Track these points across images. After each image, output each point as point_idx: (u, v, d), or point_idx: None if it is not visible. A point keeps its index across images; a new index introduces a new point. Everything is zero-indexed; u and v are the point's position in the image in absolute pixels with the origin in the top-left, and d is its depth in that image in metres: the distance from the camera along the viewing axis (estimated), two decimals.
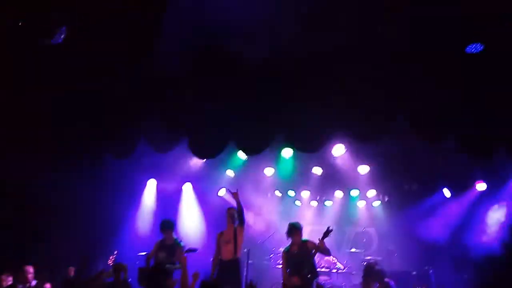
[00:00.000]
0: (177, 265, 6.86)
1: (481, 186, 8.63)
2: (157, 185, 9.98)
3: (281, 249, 6.84)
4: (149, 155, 7.96)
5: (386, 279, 6.62)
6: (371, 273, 6.89)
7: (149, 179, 9.89)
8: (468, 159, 6.90)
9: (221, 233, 6.97)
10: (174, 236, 7.31)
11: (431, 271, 8.01)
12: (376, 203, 10.21)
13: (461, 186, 8.89)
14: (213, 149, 7.12)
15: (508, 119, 5.79)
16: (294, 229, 6.54)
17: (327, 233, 6.55)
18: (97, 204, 8.57)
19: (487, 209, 8.46)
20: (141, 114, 6.91)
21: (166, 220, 7.47)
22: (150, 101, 6.79)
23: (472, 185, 8.74)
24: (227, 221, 6.96)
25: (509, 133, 5.95)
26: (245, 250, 9.17)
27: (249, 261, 9.39)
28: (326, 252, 6.50)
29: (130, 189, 9.55)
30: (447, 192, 9.08)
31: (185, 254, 5.70)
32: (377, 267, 6.95)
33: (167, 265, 6.79)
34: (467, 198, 8.87)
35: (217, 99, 6.52)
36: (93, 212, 8.54)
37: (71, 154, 7.20)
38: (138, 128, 7.14)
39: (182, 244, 7.21)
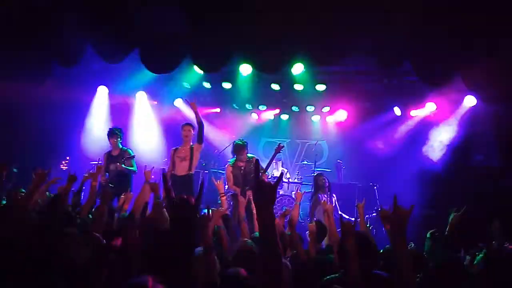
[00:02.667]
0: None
1: (430, 106, 8.92)
2: (109, 93, 9.57)
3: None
4: (99, 62, 7.48)
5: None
6: (317, 184, 7.37)
7: (99, 86, 9.44)
8: (421, 82, 7.08)
9: (176, 149, 6.96)
10: (120, 146, 7.25)
11: (375, 186, 8.57)
12: (330, 119, 10.44)
13: (412, 106, 9.17)
14: (167, 64, 6.75)
15: (463, 46, 5.86)
16: (239, 147, 6.70)
17: (278, 149, 6.81)
18: (46, 113, 8.23)
19: (434, 129, 8.86)
20: (90, 23, 6.31)
21: (113, 128, 7.38)
22: (99, 10, 6.18)
23: (423, 105, 9.02)
24: (183, 138, 6.91)
25: (464, 60, 6.06)
26: (202, 162, 9.42)
27: (205, 171, 9.74)
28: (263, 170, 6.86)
29: (80, 97, 9.13)
30: (397, 111, 9.37)
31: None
32: (323, 179, 7.39)
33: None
34: (417, 117, 9.22)
35: (172, 11, 5.99)
36: (42, 120, 8.23)
37: (18, 61, 6.71)
38: (85, 38, 6.61)
39: (130, 151, 7.19)
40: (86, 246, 2.50)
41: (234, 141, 6.89)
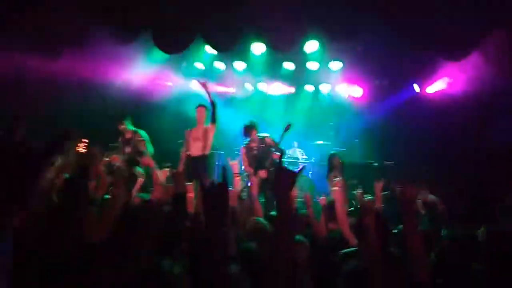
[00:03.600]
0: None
1: (450, 83, 8.67)
2: (124, 75, 9.59)
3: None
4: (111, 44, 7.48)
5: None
6: (331, 164, 7.30)
7: (115, 68, 9.47)
8: (440, 57, 6.91)
9: (190, 130, 6.98)
10: (131, 127, 7.14)
11: (392, 165, 8.46)
12: (346, 97, 10.28)
13: (428, 82, 8.94)
14: (178, 44, 6.71)
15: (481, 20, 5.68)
16: (249, 128, 6.66)
17: (287, 128, 6.69)
18: (61, 94, 8.33)
19: (454, 107, 8.61)
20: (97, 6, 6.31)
21: (122, 115, 7.25)
22: None
23: (440, 81, 8.78)
24: (197, 119, 6.92)
25: (481, 37, 5.88)
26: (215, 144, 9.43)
27: (220, 152, 9.76)
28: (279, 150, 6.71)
29: (95, 81, 9.18)
30: (416, 88, 9.15)
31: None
32: (337, 159, 7.33)
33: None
34: (436, 94, 8.99)
35: None
36: (57, 100, 8.33)
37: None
38: (97, 17, 6.60)
39: (141, 132, 7.06)
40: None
41: (244, 123, 6.84)
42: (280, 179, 1.82)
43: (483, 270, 2.45)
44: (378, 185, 4.51)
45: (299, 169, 1.93)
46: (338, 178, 7.02)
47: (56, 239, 2.29)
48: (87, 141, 9.66)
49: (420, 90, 9.14)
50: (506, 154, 6.90)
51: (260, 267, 2.03)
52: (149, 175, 6.60)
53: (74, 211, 2.54)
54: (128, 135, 7.16)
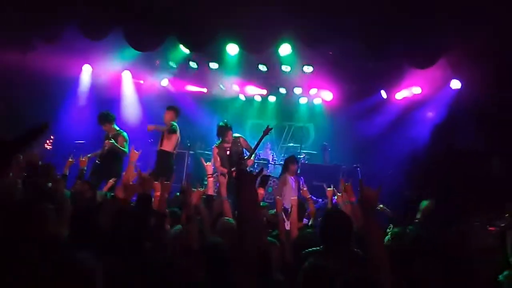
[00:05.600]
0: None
1: (416, 90, 8.99)
2: (93, 71, 9.42)
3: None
4: (83, 40, 7.34)
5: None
6: (287, 165, 7.31)
7: (84, 64, 9.29)
8: (408, 65, 7.14)
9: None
10: (116, 127, 7.22)
11: (358, 168, 8.66)
12: (317, 101, 10.46)
13: (397, 89, 9.22)
14: (151, 42, 6.65)
15: (450, 29, 5.91)
16: (222, 129, 6.71)
17: (266, 131, 6.79)
18: (30, 90, 8.11)
19: (418, 113, 8.93)
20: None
21: (103, 113, 7.26)
22: None
23: (408, 88, 9.07)
24: (164, 120, 7.14)
25: (450, 46, 6.12)
26: (188, 143, 9.40)
27: (190, 152, 9.73)
28: (250, 149, 6.83)
29: (65, 76, 8.97)
30: (384, 94, 9.41)
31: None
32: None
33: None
34: (403, 100, 9.28)
35: None
36: (25, 95, 8.11)
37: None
38: (67, 12, 6.48)
39: (124, 133, 7.19)
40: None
41: (218, 123, 6.87)
42: (241, 180, 1.84)
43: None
44: (349, 187, 4.53)
45: (258, 171, 1.96)
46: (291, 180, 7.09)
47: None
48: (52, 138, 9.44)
49: (388, 96, 9.41)
50: (468, 159, 7.20)
51: (224, 260, 2.07)
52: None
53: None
54: (111, 133, 7.15)
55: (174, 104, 7.69)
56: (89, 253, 1.57)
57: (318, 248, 2.91)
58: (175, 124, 7.11)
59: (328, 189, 4.84)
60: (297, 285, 2.33)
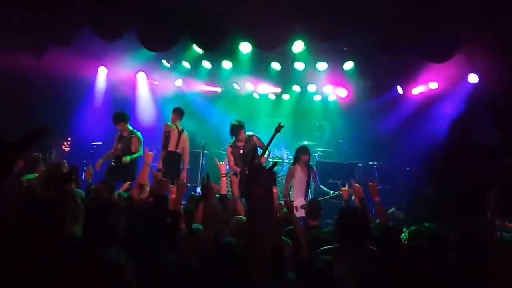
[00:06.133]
0: (136, 154, 7.07)
1: (433, 85, 8.82)
2: (108, 73, 9.54)
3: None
4: (98, 42, 7.44)
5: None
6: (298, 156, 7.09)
7: (99, 66, 9.42)
8: (424, 59, 7.04)
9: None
10: (130, 127, 7.32)
11: (375, 166, 8.55)
12: (331, 98, 10.37)
13: (413, 84, 9.06)
14: (165, 42, 6.69)
15: (467, 23, 5.80)
16: (235, 128, 6.68)
17: (278, 129, 6.72)
18: (48, 95, 8.26)
19: (436, 108, 8.76)
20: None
21: (118, 112, 7.36)
22: None
23: (425, 83, 8.91)
24: (172, 120, 7.48)
25: (466, 40, 6.01)
26: (203, 142, 9.45)
27: (205, 152, 9.76)
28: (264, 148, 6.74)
29: (81, 78, 9.11)
30: (400, 90, 9.27)
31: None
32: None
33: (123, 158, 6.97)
34: (419, 96, 9.12)
35: None
36: (41, 98, 8.26)
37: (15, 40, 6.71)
38: (81, 13, 6.57)
39: (138, 133, 7.29)
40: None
41: (231, 122, 6.86)
42: (254, 176, 1.83)
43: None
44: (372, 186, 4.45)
45: (271, 166, 1.95)
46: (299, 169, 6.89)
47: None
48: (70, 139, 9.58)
49: (404, 92, 9.26)
50: (486, 156, 7.04)
51: (239, 260, 2.06)
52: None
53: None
54: (125, 133, 7.24)
55: (182, 105, 7.95)
56: (118, 251, 1.56)
57: (333, 246, 2.89)
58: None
59: (343, 188, 4.81)
60: (311, 283, 2.31)
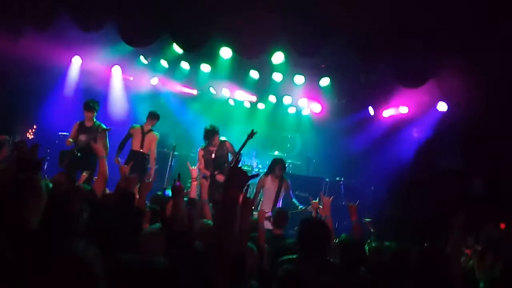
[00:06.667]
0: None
1: (403, 109, 9.10)
2: (82, 64, 9.32)
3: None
4: (75, 31, 7.25)
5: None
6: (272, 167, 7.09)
7: (74, 56, 9.19)
8: (397, 82, 7.25)
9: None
10: (94, 119, 7.10)
11: (341, 182, 8.71)
12: (305, 112, 10.51)
13: (385, 106, 9.31)
14: (145, 37, 6.61)
15: (441, 52, 6.03)
16: (209, 133, 6.67)
17: (251, 135, 6.72)
18: (16, 77, 7.98)
19: (404, 131, 9.03)
20: None
21: (90, 101, 7.13)
22: None
23: (396, 106, 9.17)
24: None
25: (438, 67, 6.25)
26: (173, 143, 9.35)
27: (175, 153, 9.65)
28: (235, 154, 6.74)
29: (54, 66, 8.85)
30: (371, 110, 9.50)
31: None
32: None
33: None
34: (389, 118, 9.38)
35: None
36: (10, 83, 7.97)
37: None
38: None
39: (104, 126, 7.07)
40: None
41: (205, 127, 6.85)
42: (234, 177, 1.84)
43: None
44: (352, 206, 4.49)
45: (253, 174, 1.98)
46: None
47: None
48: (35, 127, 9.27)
49: (376, 113, 9.50)
50: (452, 177, 7.30)
51: (203, 264, 2.04)
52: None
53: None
54: (88, 123, 7.00)
55: (156, 104, 8.22)
56: (86, 244, 1.45)
57: (294, 256, 2.92)
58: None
59: (314, 201, 4.86)
60: None
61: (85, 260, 1.42)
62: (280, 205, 6.62)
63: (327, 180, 9.10)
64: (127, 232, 2.57)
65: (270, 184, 6.68)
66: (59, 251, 1.44)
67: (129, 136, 7.51)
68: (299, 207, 6.44)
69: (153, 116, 7.53)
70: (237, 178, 1.90)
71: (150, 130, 7.50)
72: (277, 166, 6.73)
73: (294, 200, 6.75)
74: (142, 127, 7.50)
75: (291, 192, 6.83)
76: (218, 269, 1.67)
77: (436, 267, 2.34)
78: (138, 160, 7.07)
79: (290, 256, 2.90)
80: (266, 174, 6.85)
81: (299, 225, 3.08)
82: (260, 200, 6.77)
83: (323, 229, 3.00)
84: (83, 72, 9.37)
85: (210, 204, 4.35)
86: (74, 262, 1.40)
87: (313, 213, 4.84)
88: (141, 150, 7.40)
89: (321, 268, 2.71)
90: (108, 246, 2.22)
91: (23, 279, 1.42)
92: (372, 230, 5.42)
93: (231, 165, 1.99)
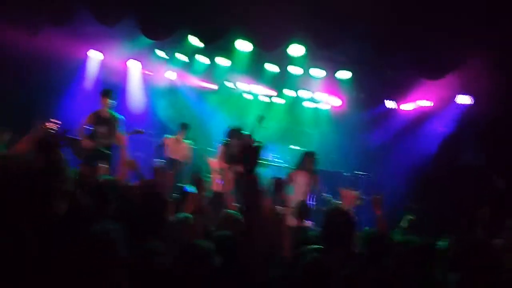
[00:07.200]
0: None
1: (424, 103, 8.93)
2: (100, 58, 9.38)
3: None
4: (94, 25, 7.29)
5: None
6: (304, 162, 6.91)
7: (91, 50, 9.26)
8: (417, 75, 7.11)
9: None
10: (109, 109, 6.70)
11: (360, 176, 8.61)
12: (325, 106, 10.40)
13: (405, 100, 9.17)
14: (164, 30, 6.60)
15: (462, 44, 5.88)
16: (234, 133, 6.58)
17: (259, 119, 6.48)
18: (39, 75, 8.07)
19: (426, 125, 8.86)
20: None
21: (109, 88, 6.87)
22: None
23: (416, 100, 9.01)
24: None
25: (461, 60, 6.10)
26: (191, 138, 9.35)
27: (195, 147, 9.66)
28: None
29: (72, 60, 8.94)
30: (389, 104, 9.35)
31: (128, 135, 5.54)
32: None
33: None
34: (411, 112, 9.22)
35: None
36: (30, 79, 8.07)
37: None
38: None
39: (121, 118, 6.74)
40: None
41: (229, 126, 6.79)
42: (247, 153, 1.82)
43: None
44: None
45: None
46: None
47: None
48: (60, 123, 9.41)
49: (396, 106, 9.36)
50: (474, 173, 7.14)
51: (234, 251, 2.03)
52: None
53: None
54: (105, 114, 6.65)
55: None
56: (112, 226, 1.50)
57: (318, 246, 2.89)
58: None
59: (343, 190, 4.78)
60: (296, 279, 2.30)
61: (110, 238, 1.47)
62: (314, 200, 6.46)
63: (346, 174, 9.01)
64: (152, 220, 2.57)
65: (301, 179, 6.47)
66: (86, 230, 1.48)
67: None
68: (332, 201, 6.24)
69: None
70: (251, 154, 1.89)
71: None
72: (308, 159, 6.53)
73: (323, 194, 6.56)
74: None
75: (321, 187, 6.65)
76: (250, 257, 1.65)
77: (484, 259, 2.28)
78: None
79: (314, 246, 2.87)
80: (296, 168, 6.63)
81: (324, 215, 3.04)
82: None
83: (347, 220, 2.96)
84: (101, 66, 9.44)
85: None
86: (100, 240, 1.45)
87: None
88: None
89: (345, 259, 2.68)
90: (135, 232, 2.22)
91: (48, 260, 1.44)
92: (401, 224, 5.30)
93: (244, 144, 2.02)
